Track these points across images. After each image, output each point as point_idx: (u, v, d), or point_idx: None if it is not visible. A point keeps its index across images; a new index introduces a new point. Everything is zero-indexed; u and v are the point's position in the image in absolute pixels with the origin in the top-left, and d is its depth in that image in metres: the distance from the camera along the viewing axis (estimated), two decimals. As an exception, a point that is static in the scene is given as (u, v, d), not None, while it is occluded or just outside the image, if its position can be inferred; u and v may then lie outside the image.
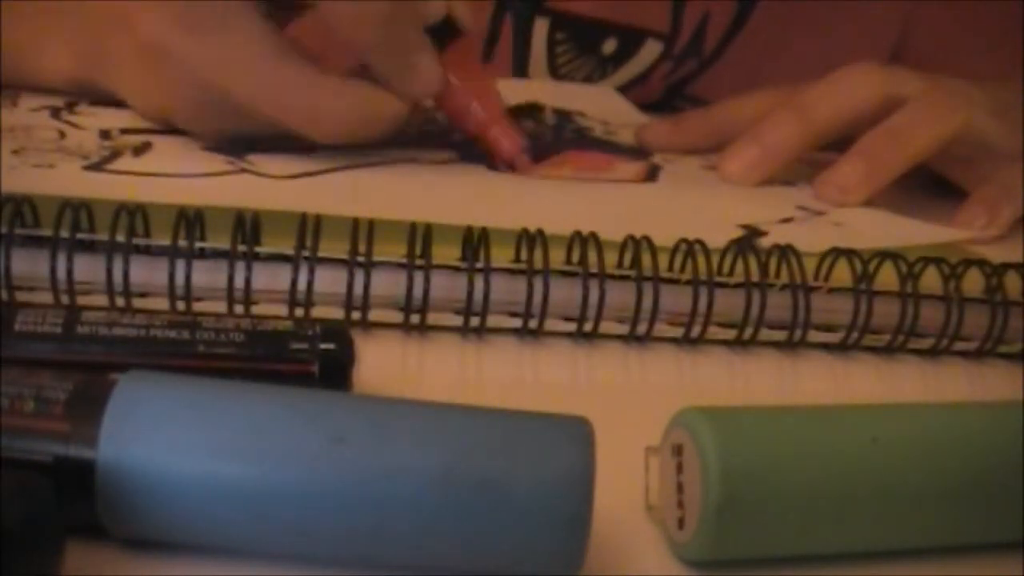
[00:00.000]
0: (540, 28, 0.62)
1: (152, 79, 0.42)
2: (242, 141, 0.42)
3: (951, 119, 0.45)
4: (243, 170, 0.40)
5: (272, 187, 0.39)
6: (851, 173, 0.45)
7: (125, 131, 0.43)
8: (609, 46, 0.63)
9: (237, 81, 0.39)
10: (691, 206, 0.43)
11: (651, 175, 0.47)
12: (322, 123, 0.40)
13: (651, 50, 0.63)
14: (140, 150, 0.41)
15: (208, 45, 0.39)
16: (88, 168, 0.38)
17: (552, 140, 0.51)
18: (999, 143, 0.46)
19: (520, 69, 0.63)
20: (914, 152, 0.45)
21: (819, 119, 0.46)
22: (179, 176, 0.39)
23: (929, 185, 0.48)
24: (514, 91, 0.57)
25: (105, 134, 0.43)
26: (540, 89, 0.59)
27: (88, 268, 0.29)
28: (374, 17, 0.39)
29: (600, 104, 0.58)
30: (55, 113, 0.45)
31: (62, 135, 0.42)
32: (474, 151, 0.45)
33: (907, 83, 0.46)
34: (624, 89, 0.63)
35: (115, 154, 0.40)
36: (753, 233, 0.39)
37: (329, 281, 0.30)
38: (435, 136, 0.48)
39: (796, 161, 0.47)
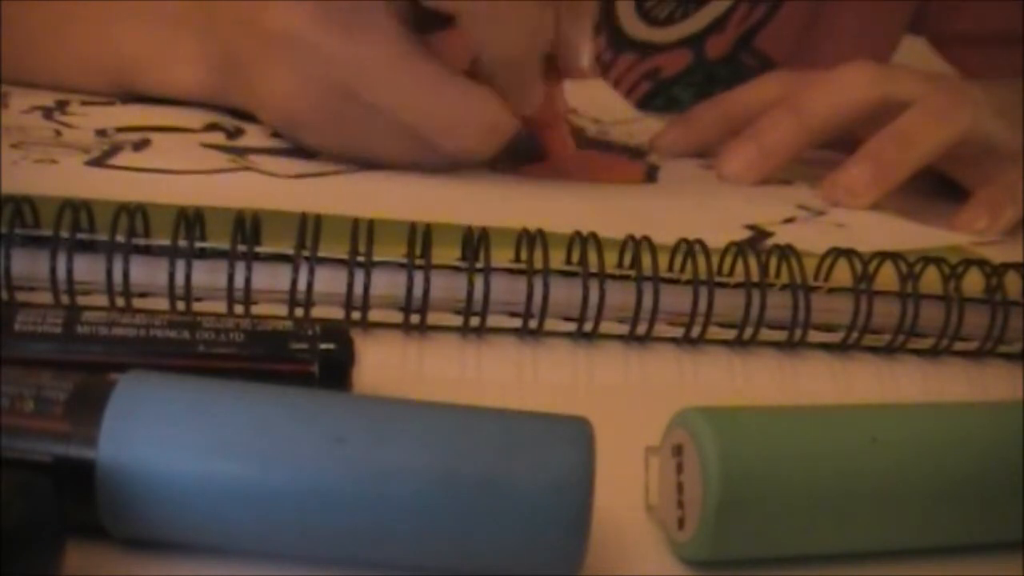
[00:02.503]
0: None
1: (279, 80, 0.40)
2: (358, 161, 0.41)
3: (957, 120, 0.45)
4: (246, 168, 0.40)
5: (274, 186, 0.39)
6: (859, 176, 0.45)
7: (120, 130, 0.43)
8: None
9: (370, 82, 0.38)
10: (694, 207, 0.43)
11: (650, 176, 0.47)
12: (457, 131, 0.39)
13: None
14: (139, 146, 0.41)
15: (341, 41, 0.38)
16: (90, 163, 0.38)
17: None
18: (1003, 142, 0.46)
19: (607, 11, 0.61)
20: (921, 154, 0.45)
21: (816, 118, 0.46)
22: (182, 173, 0.39)
23: (931, 184, 0.48)
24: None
25: (101, 132, 0.43)
26: None
27: (88, 268, 0.29)
28: (527, 34, 0.38)
29: (591, 99, 0.58)
30: (47, 114, 0.45)
31: (58, 133, 0.42)
32: None
33: (905, 82, 0.46)
34: (700, 37, 0.62)
35: (115, 148, 0.40)
36: (760, 235, 0.39)
37: (329, 281, 0.30)
38: None
39: (794, 160, 0.47)
